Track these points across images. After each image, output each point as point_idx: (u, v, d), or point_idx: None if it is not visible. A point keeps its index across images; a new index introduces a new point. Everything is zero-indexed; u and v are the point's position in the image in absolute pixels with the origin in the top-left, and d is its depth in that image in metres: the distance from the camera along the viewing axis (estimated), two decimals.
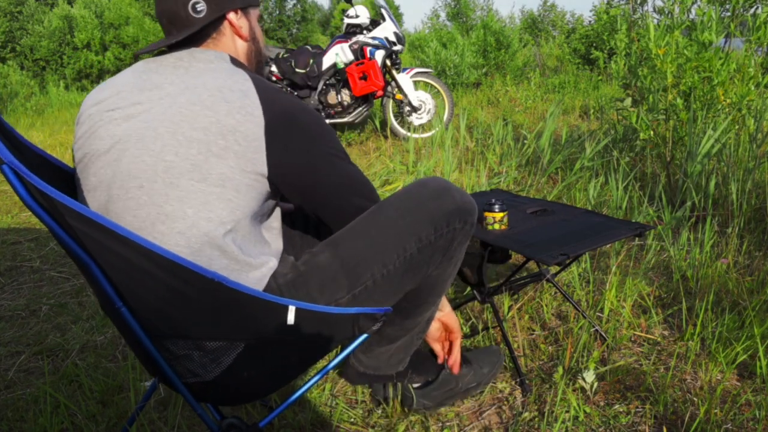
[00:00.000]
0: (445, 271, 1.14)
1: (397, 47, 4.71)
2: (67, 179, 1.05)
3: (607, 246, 2.28)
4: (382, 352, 1.29)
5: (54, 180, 1.03)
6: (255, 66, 1.15)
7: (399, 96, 4.81)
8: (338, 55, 4.66)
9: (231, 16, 1.05)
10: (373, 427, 1.38)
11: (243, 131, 0.91)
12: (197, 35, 1.04)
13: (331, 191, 1.02)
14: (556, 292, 1.98)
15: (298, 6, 26.49)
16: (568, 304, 1.91)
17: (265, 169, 0.95)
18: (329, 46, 4.73)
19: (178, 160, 0.89)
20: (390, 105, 4.90)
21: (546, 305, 1.89)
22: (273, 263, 1.02)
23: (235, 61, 1.02)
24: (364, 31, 4.75)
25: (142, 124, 0.92)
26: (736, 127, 2.75)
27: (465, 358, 1.40)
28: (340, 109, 4.72)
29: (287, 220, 1.36)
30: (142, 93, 0.95)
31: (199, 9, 1.00)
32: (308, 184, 1.01)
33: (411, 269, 1.06)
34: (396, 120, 4.98)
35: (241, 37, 1.09)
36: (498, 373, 1.48)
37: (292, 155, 0.97)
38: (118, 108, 0.95)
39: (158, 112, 0.92)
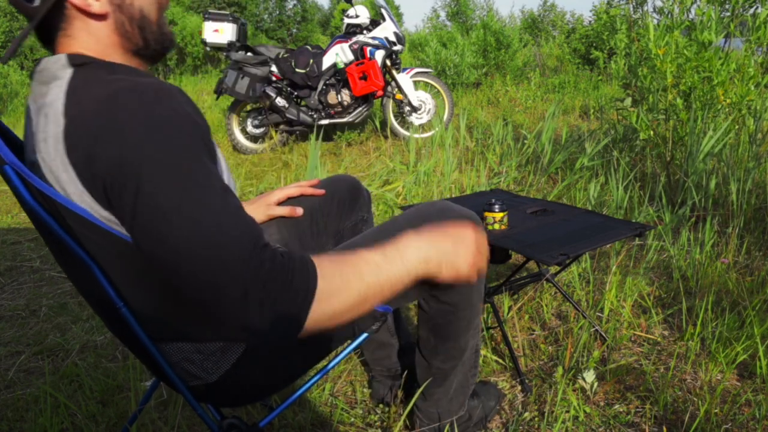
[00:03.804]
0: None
1: (397, 47, 4.71)
2: None
3: (607, 246, 2.28)
4: (441, 396, 1.24)
5: None
6: (140, 38, 0.81)
7: (399, 96, 4.81)
8: (338, 55, 4.66)
9: None
10: (372, 426, 1.38)
11: (57, 166, 0.73)
12: (47, 33, 0.78)
13: (156, 233, 0.70)
14: (556, 292, 1.98)
15: (298, 6, 26.52)
16: (568, 304, 1.91)
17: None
18: (329, 46, 4.73)
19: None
20: (390, 105, 4.90)
21: (546, 305, 1.89)
22: None
23: (74, 63, 0.74)
24: (364, 31, 4.76)
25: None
26: (736, 127, 2.76)
27: (472, 391, 1.35)
28: (340, 109, 4.72)
29: (298, 222, 1.32)
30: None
31: None
32: (133, 222, 0.71)
33: None
34: (396, 120, 4.98)
35: (92, 15, 0.75)
36: (500, 407, 1.44)
37: (101, 168, 0.70)
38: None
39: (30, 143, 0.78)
